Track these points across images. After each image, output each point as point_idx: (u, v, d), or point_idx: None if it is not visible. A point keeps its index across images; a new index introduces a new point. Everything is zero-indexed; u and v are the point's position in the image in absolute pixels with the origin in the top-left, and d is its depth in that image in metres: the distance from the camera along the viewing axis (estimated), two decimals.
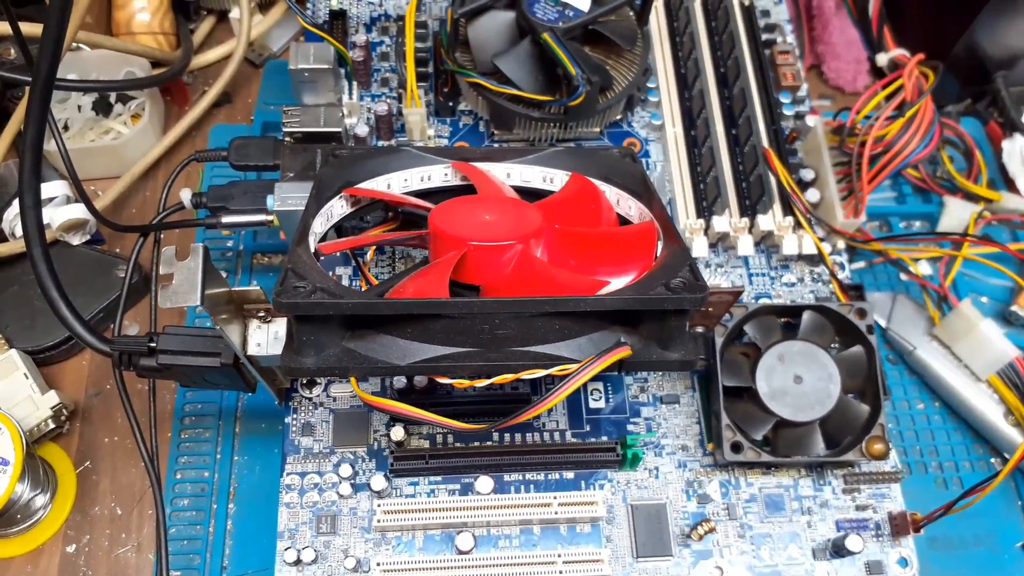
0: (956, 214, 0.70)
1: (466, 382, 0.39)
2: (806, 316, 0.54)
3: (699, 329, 0.52)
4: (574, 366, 0.38)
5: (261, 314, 0.45)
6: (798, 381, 0.52)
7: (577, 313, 0.39)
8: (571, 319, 0.40)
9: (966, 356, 0.63)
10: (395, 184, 0.52)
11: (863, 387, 0.53)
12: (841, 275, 0.60)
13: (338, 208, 0.49)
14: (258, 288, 0.44)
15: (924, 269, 0.68)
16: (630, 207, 0.50)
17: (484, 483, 0.51)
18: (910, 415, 0.64)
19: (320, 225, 0.47)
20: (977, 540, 0.59)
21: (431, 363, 0.39)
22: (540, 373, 0.38)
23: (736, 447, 0.51)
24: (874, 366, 0.53)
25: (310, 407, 0.55)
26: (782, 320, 0.55)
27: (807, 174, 0.61)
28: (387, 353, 0.39)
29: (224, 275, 0.64)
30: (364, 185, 0.50)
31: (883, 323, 0.65)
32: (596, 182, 0.51)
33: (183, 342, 0.48)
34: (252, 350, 0.45)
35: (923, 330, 0.65)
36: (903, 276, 0.68)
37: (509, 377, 0.38)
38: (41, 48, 0.47)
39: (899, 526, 0.52)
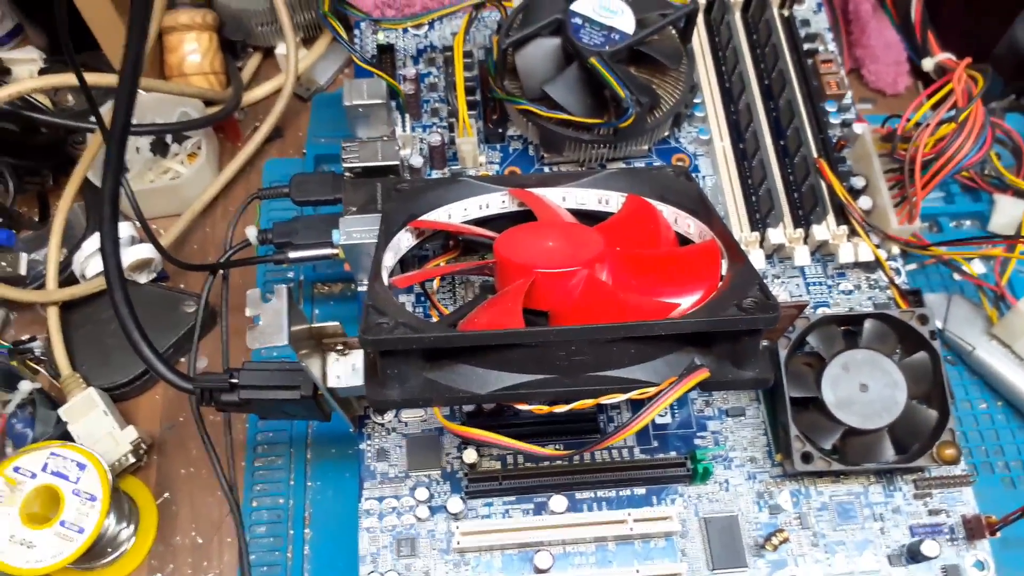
0: (1007, 212, 0.70)
1: (545, 408, 0.41)
2: (868, 324, 0.54)
3: (763, 342, 0.52)
4: (652, 389, 0.39)
5: (339, 347, 0.47)
6: (864, 389, 0.52)
7: (651, 336, 0.40)
8: (646, 342, 0.41)
9: None
10: (455, 214, 0.54)
11: (929, 392, 0.53)
12: (898, 280, 0.60)
13: (405, 241, 0.51)
14: (336, 323, 0.45)
15: (978, 268, 0.68)
16: (689, 225, 0.51)
17: (558, 502, 0.52)
18: (973, 416, 0.64)
19: (390, 259, 0.48)
20: None
21: (510, 391, 0.40)
22: (620, 398, 0.39)
23: (806, 457, 0.51)
24: (939, 371, 0.53)
25: (383, 433, 0.56)
26: (843, 329, 0.55)
27: (858, 182, 0.61)
28: (467, 382, 0.40)
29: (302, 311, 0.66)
30: (427, 217, 0.52)
31: (939, 324, 0.65)
32: (652, 202, 0.52)
33: (263, 377, 0.49)
34: (332, 382, 0.47)
35: (981, 330, 0.65)
36: (956, 276, 0.68)
37: (589, 402, 0.39)
38: (116, 104, 0.49)
39: (974, 529, 0.52)
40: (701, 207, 0.50)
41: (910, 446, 0.52)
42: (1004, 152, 0.72)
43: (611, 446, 0.55)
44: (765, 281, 0.42)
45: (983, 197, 0.72)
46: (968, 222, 0.72)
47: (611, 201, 0.55)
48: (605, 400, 0.39)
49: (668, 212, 0.52)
